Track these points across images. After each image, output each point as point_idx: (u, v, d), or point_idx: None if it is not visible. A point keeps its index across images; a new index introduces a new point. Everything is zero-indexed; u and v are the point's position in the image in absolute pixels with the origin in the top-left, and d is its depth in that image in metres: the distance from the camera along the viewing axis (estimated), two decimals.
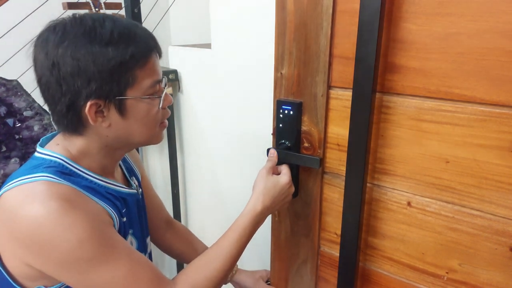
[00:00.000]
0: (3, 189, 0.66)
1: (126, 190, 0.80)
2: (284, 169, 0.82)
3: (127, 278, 0.66)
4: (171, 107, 1.65)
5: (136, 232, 0.82)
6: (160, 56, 0.74)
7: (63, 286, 0.70)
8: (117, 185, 0.77)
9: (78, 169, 0.71)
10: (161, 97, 0.73)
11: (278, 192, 0.79)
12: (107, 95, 0.66)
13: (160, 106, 0.73)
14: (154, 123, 0.74)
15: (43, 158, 0.70)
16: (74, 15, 0.68)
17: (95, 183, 0.72)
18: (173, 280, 0.73)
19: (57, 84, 0.65)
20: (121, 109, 0.69)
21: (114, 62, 0.64)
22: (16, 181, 0.65)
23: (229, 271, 0.76)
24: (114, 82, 0.66)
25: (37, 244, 0.61)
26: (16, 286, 0.68)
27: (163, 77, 0.75)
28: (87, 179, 0.71)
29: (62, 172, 0.68)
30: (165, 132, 1.71)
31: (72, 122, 0.69)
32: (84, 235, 0.62)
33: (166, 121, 0.79)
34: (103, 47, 0.64)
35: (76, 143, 0.72)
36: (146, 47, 0.69)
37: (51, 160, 0.69)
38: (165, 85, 0.76)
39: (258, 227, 0.80)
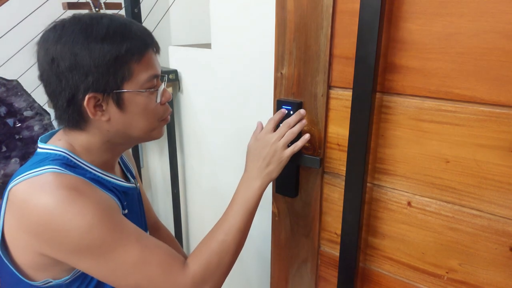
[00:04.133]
0: (10, 185, 0.67)
1: (126, 184, 0.81)
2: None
3: (138, 263, 0.67)
4: (171, 107, 1.65)
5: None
6: (157, 52, 0.76)
7: (70, 279, 0.71)
8: (118, 179, 0.79)
9: (82, 163, 0.73)
10: (158, 90, 0.74)
11: (260, 150, 0.80)
12: (104, 89, 0.68)
13: (158, 100, 0.74)
14: (153, 116, 0.75)
15: (47, 153, 0.71)
16: (74, 15, 0.70)
17: (98, 176, 0.74)
18: (186, 261, 0.73)
19: (57, 79, 0.67)
20: (119, 103, 0.70)
21: (110, 56, 0.67)
22: (24, 175, 0.66)
23: (238, 242, 0.75)
24: (110, 76, 0.68)
25: (49, 233, 0.63)
26: (23, 279, 0.69)
27: (163, 75, 0.76)
28: (90, 172, 0.73)
29: (68, 164, 0.70)
30: (165, 131, 1.71)
31: (73, 117, 0.71)
32: (94, 221, 0.64)
33: (169, 117, 0.80)
34: (99, 42, 0.66)
35: (78, 139, 0.74)
36: (142, 43, 0.70)
37: (56, 154, 0.71)
38: (164, 82, 0.77)
39: (259, 192, 0.78)
